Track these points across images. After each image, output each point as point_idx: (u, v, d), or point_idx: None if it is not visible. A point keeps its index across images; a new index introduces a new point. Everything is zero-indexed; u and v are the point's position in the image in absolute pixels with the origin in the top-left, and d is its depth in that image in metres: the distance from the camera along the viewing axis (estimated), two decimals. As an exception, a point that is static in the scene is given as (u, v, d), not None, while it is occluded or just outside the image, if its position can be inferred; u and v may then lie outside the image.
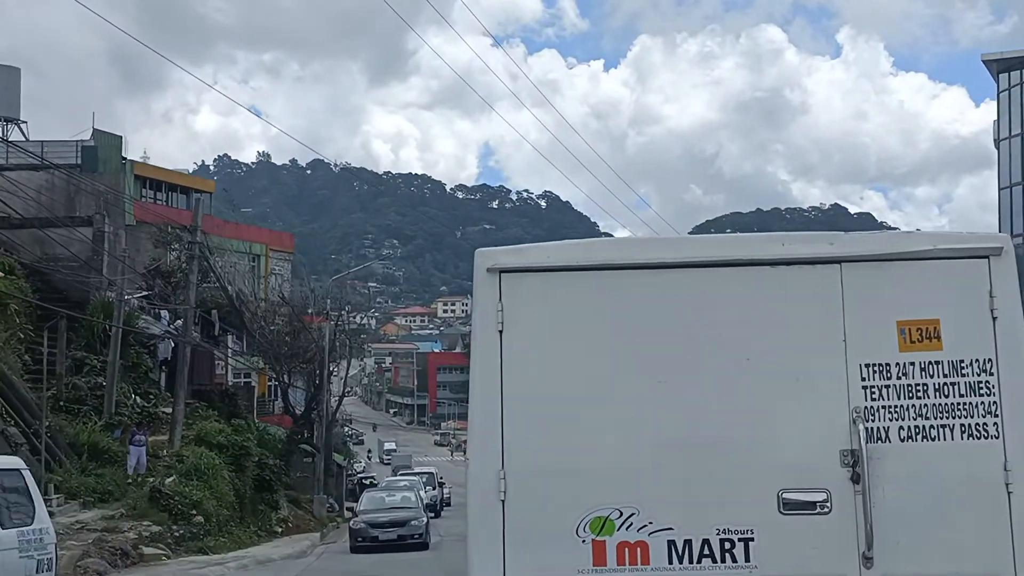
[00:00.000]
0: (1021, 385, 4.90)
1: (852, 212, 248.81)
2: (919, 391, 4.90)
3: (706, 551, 4.80)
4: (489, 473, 4.86)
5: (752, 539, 4.80)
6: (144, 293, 32.96)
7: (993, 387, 4.89)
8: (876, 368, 4.91)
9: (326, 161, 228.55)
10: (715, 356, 4.94)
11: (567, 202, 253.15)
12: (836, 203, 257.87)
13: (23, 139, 42.62)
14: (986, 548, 4.78)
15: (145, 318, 33.00)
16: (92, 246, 29.64)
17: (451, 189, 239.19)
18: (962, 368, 4.91)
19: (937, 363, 4.91)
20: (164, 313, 34.36)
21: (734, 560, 4.81)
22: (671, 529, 4.81)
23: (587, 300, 5.01)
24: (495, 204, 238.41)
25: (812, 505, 4.80)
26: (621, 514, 4.82)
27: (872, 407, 4.88)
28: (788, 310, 4.97)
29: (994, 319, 4.92)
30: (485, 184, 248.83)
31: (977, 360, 4.91)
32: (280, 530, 30.91)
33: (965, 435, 4.87)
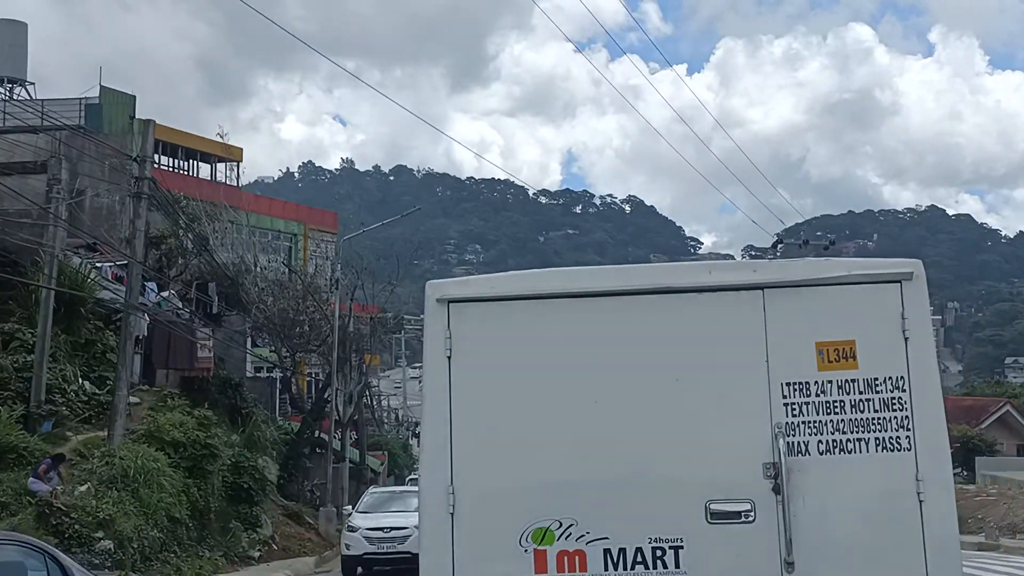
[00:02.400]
0: (931, 401, 5.27)
1: (950, 214, 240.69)
2: (836, 407, 5.28)
3: (639, 558, 5.22)
4: (439, 489, 5.31)
5: (682, 547, 5.21)
6: (123, 261, 25.65)
7: (905, 403, 5.26)
8: (796, 386, 5.30)
9: (409, 167, 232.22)
10: (647, 378, 5.36)
11: (651, 206, 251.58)
12: (932, 204, 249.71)
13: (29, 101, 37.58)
14: (900, 553, 5.14)
15: (108, 285, 25.91)
16: (46, 196, 23.55)
17: (534, 194, 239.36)
18: (876, 385, 5.29)
19: (853, 381, 5.29)
20: (152, 286, 28.33)
21: (665, 567, 5.22)
22: (607, 538, 5.24)
23: (528, 327, 5.46)
24: (578, 209, 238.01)
25: (737, 515, 5.21)
26: (561, 525, 5.25)
27: (793, 423, 5.27)
28: (715, 334, 5.38)
29: (906, 339, 5.29)
30: (568, 189, 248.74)
31: (890, 378, 5.28)
32: (258, 554, 23.31)
33: (879, 448, 5.24)
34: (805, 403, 5.29)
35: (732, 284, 5.42)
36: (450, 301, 5.50)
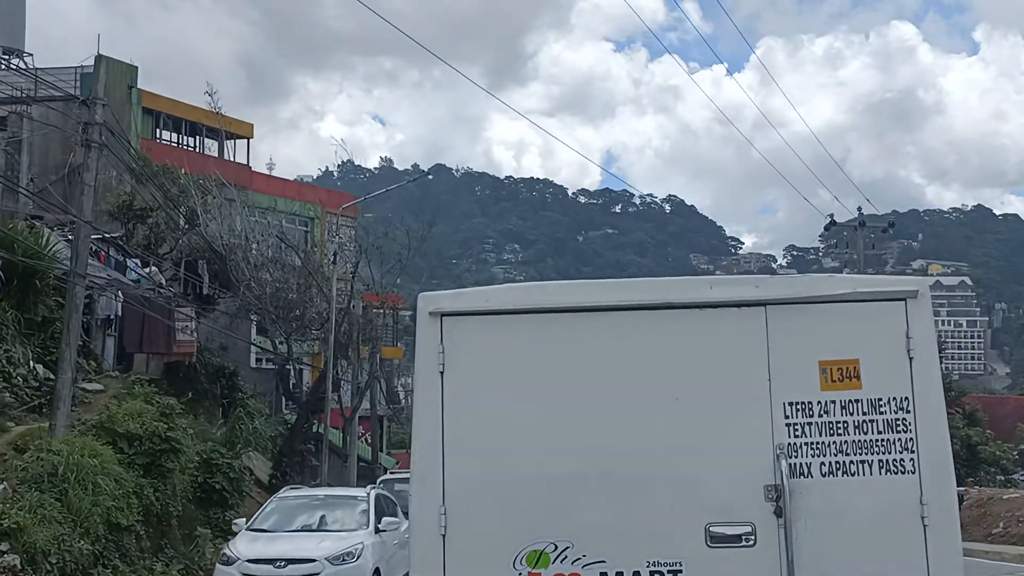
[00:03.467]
0: (936, 422, 5.14)
1: (997, 214, 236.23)
2: (840, 428, 5.17)
3: None
4: (431, 509, 5.19)
5: (680, 571, 5.09)
6: (100, 235, 23.14)
7: (910, 424, 5.13)
8: (799, 406, 5.19)
9: (447, 166, 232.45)
10: (646, 396, 5.24)
11: (692, 206, 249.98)
12: (979, 204, 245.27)
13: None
14: None
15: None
16: (5, 154, 21.77)
17: (573, 194, 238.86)
18: (880, 406, 5.16)
19: (857, 401, 5.17)
20: (135, 263, 25.46)
21: None
22: (604, 562, 5.12)
23: (524, 343, 5.32)
24: (618, 209, 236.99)
25: (737, 538, 5.09)
26: (556, 547, 5.14)
27: (795, 443, 5.16)
28: (715, 351, 5.26)
29: (911, 359, 5.16)
30: (608, 188, 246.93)
31: (895, 398, 5.16)
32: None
33: (883, 470, 5.12)
34: (808, 423, 5.17)
35: (734, 300, 5.30)
36: (443, 315, 5.34)
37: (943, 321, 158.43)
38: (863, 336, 5.20)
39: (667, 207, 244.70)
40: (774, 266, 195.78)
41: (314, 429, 30.45)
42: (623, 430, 5.22)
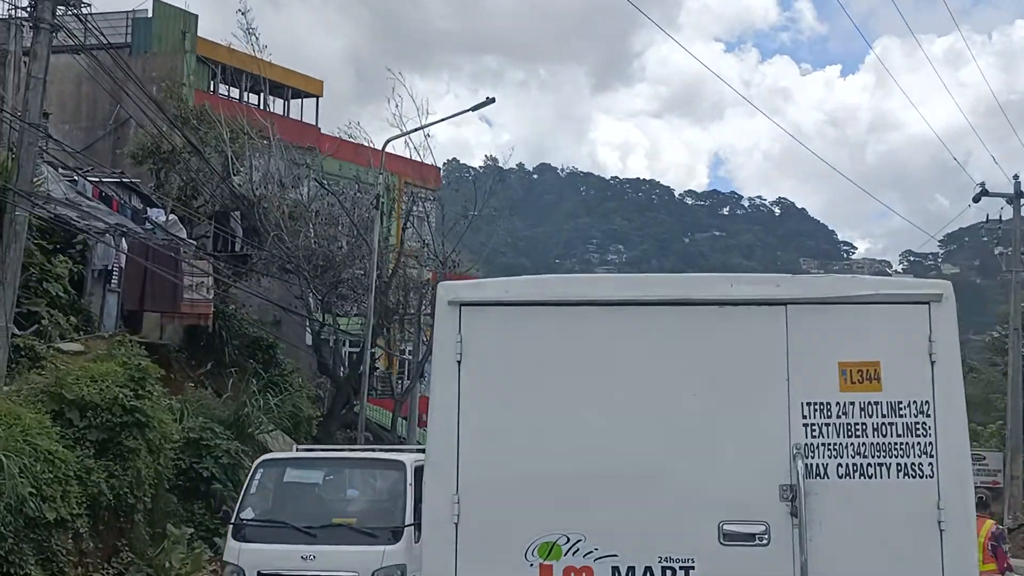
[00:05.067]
0: (956, 427, 5.07)
1: None
2: (858, 430, 5.12)
3: None
4: (444, 497, 5.24)
5: (693, 567, 5.10)
6: (114, 179, 21.45)
7: (929, 428, 5.07)
8: (817, 407, 5.15)
9: (553, 166, 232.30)
10: (663, 392, 5.25)
11: (803, 209, 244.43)
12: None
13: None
14: None
15: (78, 201, 19.67)
16: None
17: (680, 195, 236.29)
18: (900, 409, 5.11)
19: (876, 403, 5.13)
20: (158, 212, 22.39)
21: None
22: (616, 556, 5.14)
23: (542, 335, 5.35)
24: (725, 211, 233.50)
25: (751, 537, 5.08)
26: (568, 540, 5.16)
27: (812, 444, 5.13)
28: (734, 349, 5.25)
29: (932, 363, 5.10)
30: (716, 190, 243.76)
31: (915, 402, 5.10)
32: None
33: (901, 474, 5.07)
34: (826, 424, 5.14)
35: (754, 299, 5.28)
36: (462, 304, 5.36)
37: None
38: (885, 338, 5.15)
39: (776, 209, 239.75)
40: (889, 271, 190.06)
41: (355, 410, 25.56)
42: (638, 425, 5.24)
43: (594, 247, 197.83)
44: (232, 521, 11.51)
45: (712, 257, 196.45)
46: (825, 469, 5.11)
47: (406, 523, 10.87)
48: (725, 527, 5.10)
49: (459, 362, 5.32)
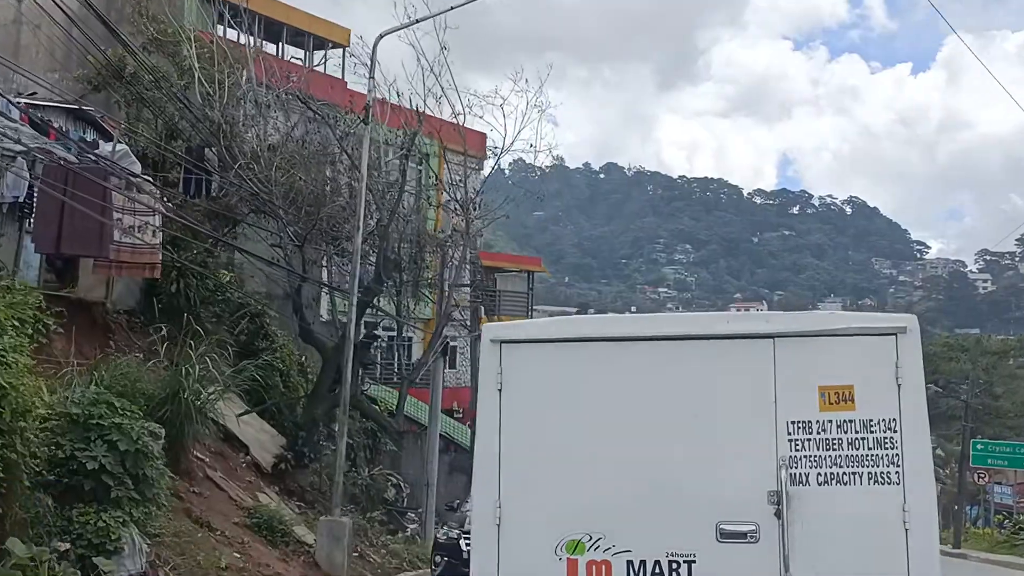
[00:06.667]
0: (920, 441, 5.97)
1: None
2: (835, 444, 6.03)
3: (657, 570, 6.11)
4: (488, 503, 6.33)
5: (694, 561, 6.07)
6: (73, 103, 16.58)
7: (896, 442, 5.96)
8: (800, 424, 6.08)
9: (619, 165, 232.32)
10: (669, 413, 6.24)
11: (875, 208, 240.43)
12: None
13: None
14: (887, 574, 5.83)
15: None
16: None
17: (748, 194, 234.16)
18: (871, 426, 6.00)
19: (851, 421, 6.03)
20: (121, 146, 15.95)
21: None
22: (630, 551, 6.14)
23: (568, 366, 6.41)
24: (795, 210, 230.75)
25: (743, 535, 6.02)
26: (591, 538, 6.20)
27: (795, 456, 6.05)
28: (730, 376, 6.22)
29: (899, 386, 5.99)
30: (785, 189, 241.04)
31: (884, 419, 5.99)
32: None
33: (872, 481, 5.96)
34: (807, 439, 6.04)
35: (746, 333, 6.23)
36: (502, 342, 6.50)
37: None
38: (858, 365, 6.04)
39: (848, 209, 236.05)
40: (964, 271, 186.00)
41: (363, 391, 21.62)
42: (650, 441, 6.21)
43: (661, 247, 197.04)
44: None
45: (781, 257, 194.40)
46: (806, 477, 6.02)
47: None
48: (722, 526, 6.03)
49: (500, 390, 6.43)
